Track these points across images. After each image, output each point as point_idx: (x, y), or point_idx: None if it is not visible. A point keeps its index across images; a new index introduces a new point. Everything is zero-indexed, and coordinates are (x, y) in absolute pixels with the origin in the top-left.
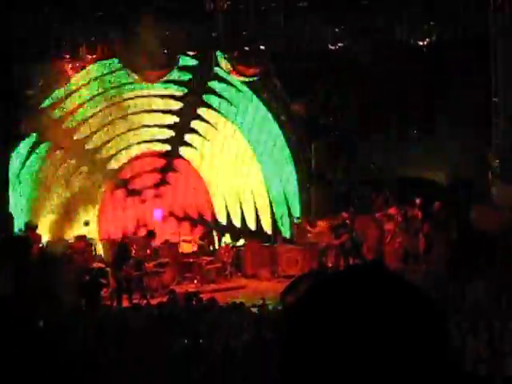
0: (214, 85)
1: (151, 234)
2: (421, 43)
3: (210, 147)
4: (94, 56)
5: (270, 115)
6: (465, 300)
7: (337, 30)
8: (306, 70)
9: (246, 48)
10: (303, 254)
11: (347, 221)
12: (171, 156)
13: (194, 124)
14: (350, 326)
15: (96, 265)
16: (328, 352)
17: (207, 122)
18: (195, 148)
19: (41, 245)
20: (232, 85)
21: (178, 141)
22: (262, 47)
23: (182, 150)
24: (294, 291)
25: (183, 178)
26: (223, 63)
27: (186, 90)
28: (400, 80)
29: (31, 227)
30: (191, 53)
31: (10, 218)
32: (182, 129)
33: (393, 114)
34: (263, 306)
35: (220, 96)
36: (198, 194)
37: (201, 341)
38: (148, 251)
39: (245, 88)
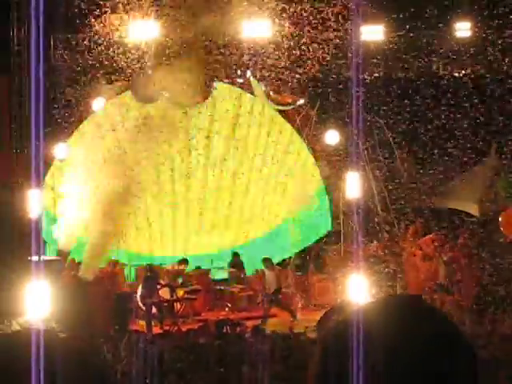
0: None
1: (184, 261)
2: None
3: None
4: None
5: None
6: (492, 336)
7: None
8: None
9: (281, 76)
10: (335, 283)
11: (379, 251)
12: None
13: None
14: (385, 353)
15: (125, 289)
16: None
17: None
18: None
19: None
20: None
21: None
22: (297, 76)
23: None
24: (331, 319)
25: None
26: (258, 91)
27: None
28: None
29: (65, 252)
30: (226, 80)
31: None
32: None
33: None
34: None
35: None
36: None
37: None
38: (180, 278)
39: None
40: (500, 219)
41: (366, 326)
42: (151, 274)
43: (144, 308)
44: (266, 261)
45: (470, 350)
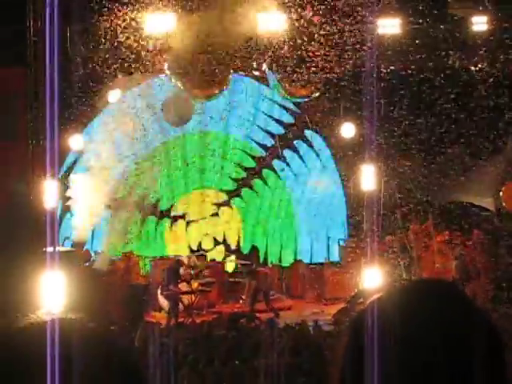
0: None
1: (202, 256)
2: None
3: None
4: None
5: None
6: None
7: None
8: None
9: (297, 69)
10: (350, 277)
11: (394, 246)
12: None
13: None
14: (414, 335)
15: (141, 282)
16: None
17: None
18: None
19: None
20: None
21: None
22: (313, 68)
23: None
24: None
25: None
26: (274, 84)
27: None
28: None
29: (81, 243)
30: (242, 72)
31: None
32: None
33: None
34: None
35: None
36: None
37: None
38: (194, 270)
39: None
40: (501, 194)
41: (399, 309)
42: (176, 265)
43: (165, 299)
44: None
45: (501, 339)
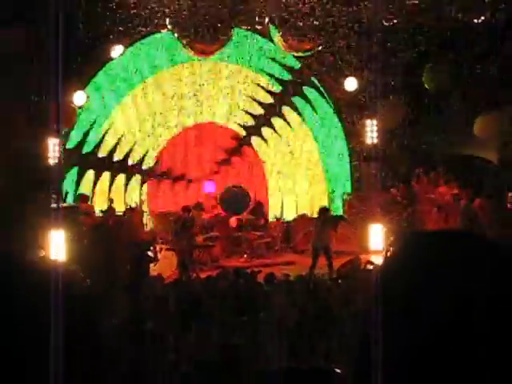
0: (308, 91)
1: (199, 208)
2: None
3: (279, 144)
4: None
5: (322, 91)
6: None
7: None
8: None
9: (300, 23)
10: (354, 230)
11: (398, 197)
12: (243, 142)
13: (274, 120)
14: (442, 280)
15: (146, 237)
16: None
17: (287, 121)
18: (266, 142)
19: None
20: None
21: (254, 131)
22: (316, 22)
23: (255, 140)
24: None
25: (246, 165)
26: (277, 38)
27: (281, 88)
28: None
29: (83, 199)
30: (244, 27)
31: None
32: (261, 121)
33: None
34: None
35: (309, 102)
36: (255, 185)
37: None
38: (198, 225)
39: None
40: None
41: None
42: (189, 219)
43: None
44: None
45: None
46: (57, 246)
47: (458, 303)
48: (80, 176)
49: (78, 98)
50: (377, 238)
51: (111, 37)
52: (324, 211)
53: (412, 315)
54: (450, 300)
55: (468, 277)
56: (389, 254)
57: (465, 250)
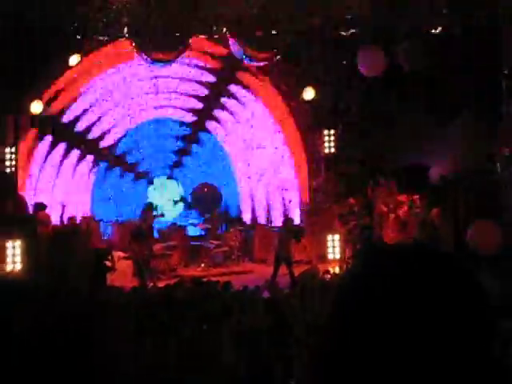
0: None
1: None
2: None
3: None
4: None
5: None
6: None
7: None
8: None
9: (258, 33)
10: (311, 240)
11: (355, 208)
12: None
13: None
14: (400, 301)
15: (103, 245)
16: (376, 321)
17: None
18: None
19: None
20: None
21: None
22: (273, 32)
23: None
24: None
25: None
26: (236, 48)
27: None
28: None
29: (40, 208)
30: (202, 36)
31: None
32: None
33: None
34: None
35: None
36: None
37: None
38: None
39: None
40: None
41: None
42: (138, 228)
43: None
44: None
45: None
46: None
47: (413, 318)
48: None
49: (35, 107)
50: (334, 248)
51: (69, 43)
52: (288, 220)
53: (370, 328)
54: (407, 315)
55: (423, 292)
56: (349, 267)
57: (421, 264)
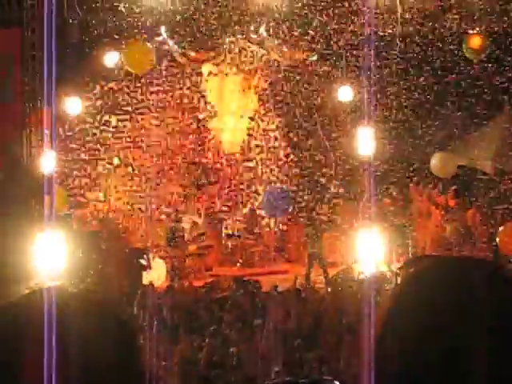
0: None
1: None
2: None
3: None
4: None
5: None
6: None
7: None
8: None
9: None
10: (346, 241)
11: (390, 207)
12: None
13: None
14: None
15: (140, 245)
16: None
17: None
18: None
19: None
20: None
21: None
22: (310, 31)
23: None
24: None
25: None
26: (271, 47)
27: None
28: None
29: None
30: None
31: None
32: None
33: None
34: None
35: None
36: None
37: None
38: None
39: None
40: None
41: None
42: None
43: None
44: None
45: None
46: (51, 253)
47: (475, 332)
48: None
49: (72, 104)
50: (367, 248)
51: (106, 44)
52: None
53: (426, 337)
54: (468, 328)
55: (486, 307)
56: (403, 276)
57: (482, 279)
